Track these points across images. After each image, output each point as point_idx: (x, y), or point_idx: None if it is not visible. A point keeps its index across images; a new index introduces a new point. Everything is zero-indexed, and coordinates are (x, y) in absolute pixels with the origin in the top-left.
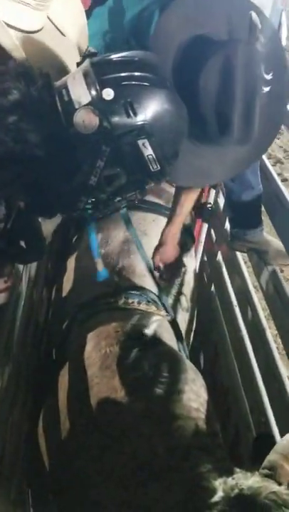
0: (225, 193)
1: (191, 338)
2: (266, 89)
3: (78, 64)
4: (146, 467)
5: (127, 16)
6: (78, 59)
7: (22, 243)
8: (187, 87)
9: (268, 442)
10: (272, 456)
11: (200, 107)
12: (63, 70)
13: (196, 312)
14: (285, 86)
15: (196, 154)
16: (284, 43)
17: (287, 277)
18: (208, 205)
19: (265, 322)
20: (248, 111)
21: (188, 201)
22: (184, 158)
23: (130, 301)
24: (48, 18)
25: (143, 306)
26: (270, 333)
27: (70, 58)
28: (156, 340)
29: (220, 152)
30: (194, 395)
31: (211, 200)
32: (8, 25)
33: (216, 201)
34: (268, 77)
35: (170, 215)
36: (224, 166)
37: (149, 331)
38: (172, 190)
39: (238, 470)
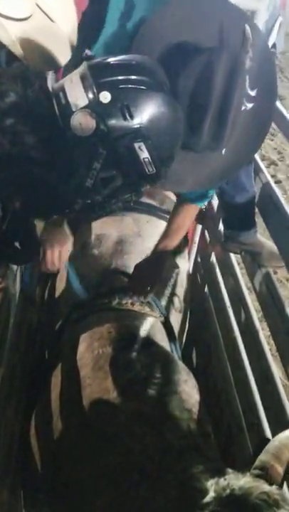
0: (218, 194)
1: (184, 339)
2: (249, 105)
3: (73, 63)
4: (138, 468)
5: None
6: (67, 46)
7: (16, 244)
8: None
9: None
10: (263, 457)
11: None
12: (51, 58)
13: (189, 313)
14: (269, 107)
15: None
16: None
17: (281, 279)
18: (202, 207)
19: (258, 323)
20: (220, 118)
21: (183, 228)
22: None
23: (124, 301)
24: (37, 5)
25: (136, 307)
26: (263, 334)
27: (59, 45)
28: (148, 341)
29: (195, 160)
30: (186, 396)
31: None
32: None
33: (209, 202)
34: (252, 93)
35: (165, 231)
36: (198, 175)
37: (141, 332)
38: (167, 192)
39: (230, 471)
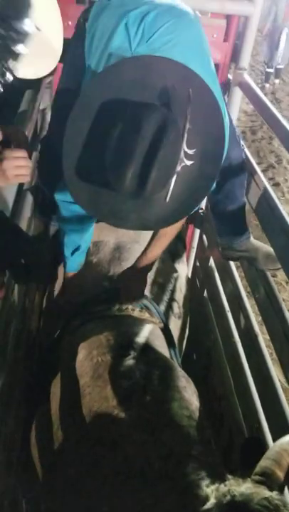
0: (211, 204)
1: (184, 345)
2: (188, 162)
3: None
4: (139, 475)
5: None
6: (52, 55)
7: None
8: (99, 136)
9: (257, 446)
10: (264, 462)
11: (106, 156)
12: (35, 66)
13: (188, 318)
14: (213, 166)
15: (113, 198)
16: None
17: (280, 282)
18: (200, 211)
19: (257, 327)
20: (143, 171)
21: (166, 236)
22: (103, 199)
23: (124, 307)
24: None
25: (136, 313)
26: (263, 338)
27: (44, 53)
28: (147, 348)
29: (138, 203)
30: (186, 402)
31: (203, 205)
32: None
33: (207, 207)
34: (190, 151)
35: (150, 241)
36: (142, 217)
37: (140, 339)
38: None
39: (230, 477)
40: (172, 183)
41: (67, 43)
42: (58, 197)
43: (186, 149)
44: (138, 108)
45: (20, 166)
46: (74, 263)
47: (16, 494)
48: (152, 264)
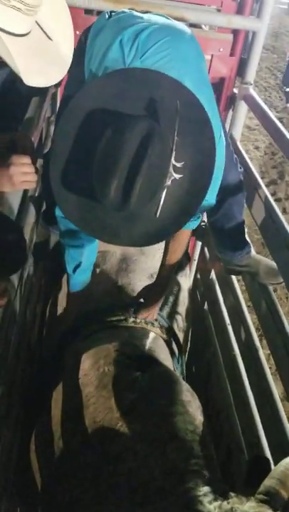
0: (209, 223)
1: (186, 358)
2: (177, 175)
3: None
4: (141, 490)
5: None
6: (62, 65)
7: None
8: (85, 147)
9: (262, 465)
10: (268, 482)
11: (92, 168)
12: (45, 75)
13: (190, 331)
14: (203, 180)
15: (103, 213)
16: None
17: (281, 296)
18: (202, 224)
19: (258, 341)
20: (128, 183)
21: (177, 252)
22: (93, 214)
23: (138, 320)
24: (36, 22)
25: (150, 326)
26: (263, 352)
27: (54, 62)
28: (154, 361)
29: (127, 218)
30: (190, 417)
31: (205, 218)
32: None
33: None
34: (178, 164)
35: (164, 257)
36: (132, 233)
37: (148, 352)
38: None
39: (232, 494)
40: (162, 198)
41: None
42: (57, 212)
43: (174, 162)
44: (123, 119)
45: (26, 173)
46: (76, 281)
47: (14, 502)
48: (171, 280)
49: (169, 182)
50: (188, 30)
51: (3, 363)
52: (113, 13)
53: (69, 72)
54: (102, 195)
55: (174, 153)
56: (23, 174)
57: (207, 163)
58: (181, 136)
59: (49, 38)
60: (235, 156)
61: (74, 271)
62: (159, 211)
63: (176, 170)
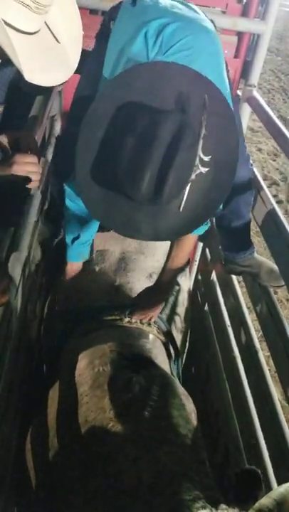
0: (216, 219)
1: (184, 359)
2: (204, 169)
3: None
4: (129, 491)
5: None
6: (68, 68)
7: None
8: (113, 142)
9: (251, 478)
10: (265, 501)
11: (121, 162)
12: (50, 76)
13: (189, 332)
14: (228, 174)
15: (127, 207)
16: None
17: (281, 299)
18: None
19: (257, 343)
20: (160, 176)
21: (182, 254)
22: (116, 208)
23: (134, 320)
24: (46, 23)
25: (146, 327)
26: (263, 354)
27: (60, 64)
28: (150, 362)
29: (152, 213)
30: (183, 420)
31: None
32: (6, 23)
33: (211, 221)
34: (206, 158)
35: (167, 261)
36: (156, 227)
37: (144, 353)
38: None
39: (224, 506)
40: (186, 192)
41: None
42: (68, 187)
43: (202, 156)
44: (153, 112)
45: (30, 172)
46: (74, 252)
47: (9, 499)
48: (172, 285)
49: (194, 176)
50: (210, 26)
51: (3, 361)
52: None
53: (84, 62)
54: (133, 188)
55: (201, 146)
56: (27, 173)
57: (231, 158)
58: (207, 130)
59: (57, 41)
60: (247, 152)
61: (72, 242)
62: (182, 205)
63: (202, 163)
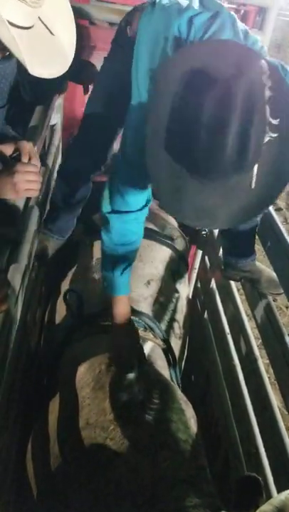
0: None
1: (182, 366)
2: (274, 134)
3: None
4: (130, 497)
5: None
6: (65, 58)
7: None
8: (188, 118)
9: (252, 485)
10: (266, 508)
11: (198, 136)
12: (49, 67)
13: (187, 339)
14: None
15: (199, 192)
16: None
17: (280, 306)
18: (203, 233)
19: (257, 351)
20: (241, 141)
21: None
22: (188, 196)
23: None
24: (39, 18)
25: (141, 332)
26: (262, 362)
27: (57, 55)
28: (149, 367)
29: (224, 194)
30: (183, 425)
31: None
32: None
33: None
34: (275, 122)
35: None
36: (230, 210)
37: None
38: (167, 217)
39: None
40: (257, 165)
41: (84, 63)
42: (104, 208)
43: (271, 119)
44: (222, 77)
45: (30, 181)
46: (123, 283)
47: (9, 508)
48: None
49: (266, 141)
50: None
51: (3, 367)
52: (156, 1)
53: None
54: (215, 155)
55: (268, 110)
56: (27, 182)
57: None
58: (271, 92)
59: (51, 33)
60: None
61: (122, 272)
62: (254, 180)
63: (272, 128)
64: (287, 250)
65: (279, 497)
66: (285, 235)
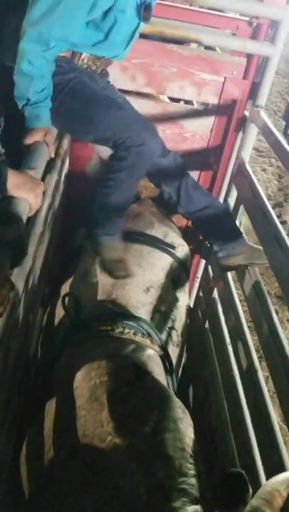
0: (191, 220)
1: (179, 374)
2: None
3: None
4: (126, 505)
5: None
6: None
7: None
8: None
9: (239, 480)
10: (255, 502)
11: None
12: None
13: (185, 348)
14: None
15: None
16: None
17: (282, 319)
18: (207, 242)
19: (257, 363)
20: None
21: None
22: None
23: (126, 331)
24: None
25: (139, 338)
26: (262, 374)
27: None
28: (146, 375)
29: None
30: (180, 434)
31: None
32: None
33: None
34: None
35: None
36: None
37: (140, 365)
38: (171, 225)
39: None
40: None
41: None
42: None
43: None
44: None
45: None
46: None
47: None
48: None
49: None
50: None
51: (3, 372)
52: None
53: None
54: None
55: None
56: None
57: None
58: None
59: None
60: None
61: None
62: None
63: None
64: None
65: (264, 488)
66: None
